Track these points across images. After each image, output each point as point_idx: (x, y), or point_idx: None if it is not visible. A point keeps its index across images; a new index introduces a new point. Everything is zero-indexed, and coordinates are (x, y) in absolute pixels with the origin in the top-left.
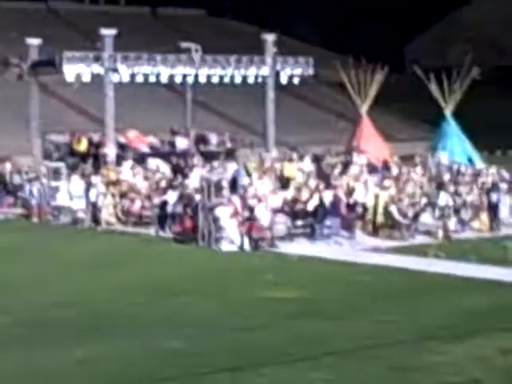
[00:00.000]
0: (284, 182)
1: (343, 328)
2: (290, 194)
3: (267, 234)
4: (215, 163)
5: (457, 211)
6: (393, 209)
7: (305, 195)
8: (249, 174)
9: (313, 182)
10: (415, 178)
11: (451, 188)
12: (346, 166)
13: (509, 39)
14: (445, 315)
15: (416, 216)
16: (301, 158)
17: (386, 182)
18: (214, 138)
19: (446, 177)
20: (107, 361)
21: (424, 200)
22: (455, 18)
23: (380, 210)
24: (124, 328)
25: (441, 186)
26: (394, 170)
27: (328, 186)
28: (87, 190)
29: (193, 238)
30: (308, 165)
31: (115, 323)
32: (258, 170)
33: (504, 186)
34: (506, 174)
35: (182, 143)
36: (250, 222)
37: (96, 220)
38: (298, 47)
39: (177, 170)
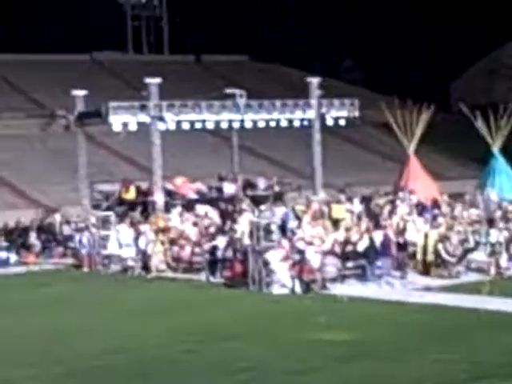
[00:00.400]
0: (332, 224)
1: (396, 369)
2: (340, 235)
3: (318, 277)
4: (263, 207)
5: (507, 248)
6: (440, 247)
7: (355, 236)
8: (298, 218)
9: (363, 223)
10: (465, 216)
11: (501, 224)
12: (395, 205)
13: None
14: (499, 353)
15: (465, 254)
16: (349, 199)
17: (437, 221)
18: (261, 183)
19: (497, 213)
20: None
21: (475, 238)
22: (499, 55)
23: (430, 248)
24: (175, 374)
25: (491, 223)
26: (445, 209)
27: (378, 226)
28: (136, 238)
29: (243, 282)
30: (357, 206)
31: (166, 369)
32: (307, 213)
33: None
34: None
35: (229, 188)
36: (300, 264)
37: (146, 267)
38: (342, 89)
39: (225, 216)
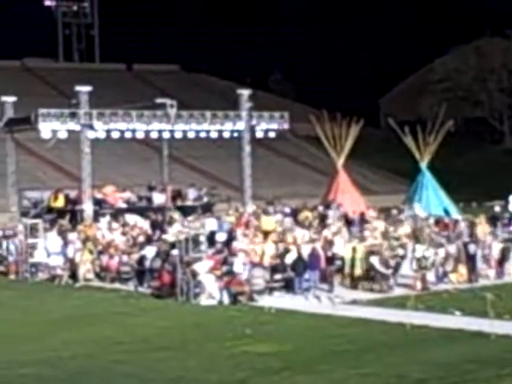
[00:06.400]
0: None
1: (323, 382)
2: (268, 247)
3: (246, 288)
4: (192, 218)
5: (433, 263)
6: (374, 260)
7: (283, 249)
8: (227, 229)
9: (291, 236)
10: (391, 230)
11: (429, 239)
12: (323, 219)
13: (480, 91)
14: (425, 367)
15: (396, 268)
16: (277, 211)
17: (364, 234)
18: (191, 193)
19: (423, 229)
20: None
21: (401, 252)
22: (427, 72)
23: (358, 262)
24: None
25: (417, 238)
26: (372, 223)
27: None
28: (64, 246)
29: (172, 292)
30: (286, 218)
31: (95, 379)
32: (236, 223)
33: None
34: None
35: (159, 198)
36: (228, 276)
37: (74, 276)
38: (273, 101)
39: (155, 225)
